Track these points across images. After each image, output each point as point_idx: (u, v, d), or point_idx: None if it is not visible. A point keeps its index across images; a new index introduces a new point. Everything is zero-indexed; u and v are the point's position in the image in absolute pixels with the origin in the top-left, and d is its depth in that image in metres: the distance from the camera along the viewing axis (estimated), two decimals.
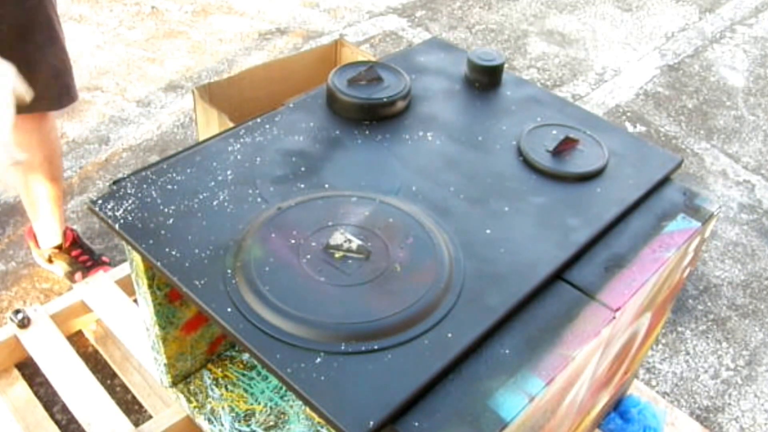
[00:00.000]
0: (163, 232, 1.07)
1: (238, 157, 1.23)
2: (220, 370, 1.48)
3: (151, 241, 1.06)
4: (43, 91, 1.56)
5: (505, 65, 1.51)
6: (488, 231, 1.13)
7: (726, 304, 2.14)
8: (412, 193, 1.19)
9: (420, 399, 0.89)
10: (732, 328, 2.07)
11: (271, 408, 1.40)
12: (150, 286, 1.23)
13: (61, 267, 1.97)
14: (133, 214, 1.10)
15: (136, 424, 1.55)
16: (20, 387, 1.68)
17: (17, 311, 1.71)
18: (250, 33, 3.28)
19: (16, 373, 1.71)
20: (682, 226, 1.21)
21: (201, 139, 2.01)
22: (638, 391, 1.71)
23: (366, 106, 1.34)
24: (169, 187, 1.16)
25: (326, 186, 1.19)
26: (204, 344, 1.43)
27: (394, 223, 1.11)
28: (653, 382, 1.89)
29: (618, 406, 1.65)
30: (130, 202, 1.13)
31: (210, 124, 1.95)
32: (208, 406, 1.41)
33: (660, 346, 1.99)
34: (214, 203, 1.13)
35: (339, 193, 1.17)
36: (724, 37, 3.59)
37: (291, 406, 1.41)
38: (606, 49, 3.41)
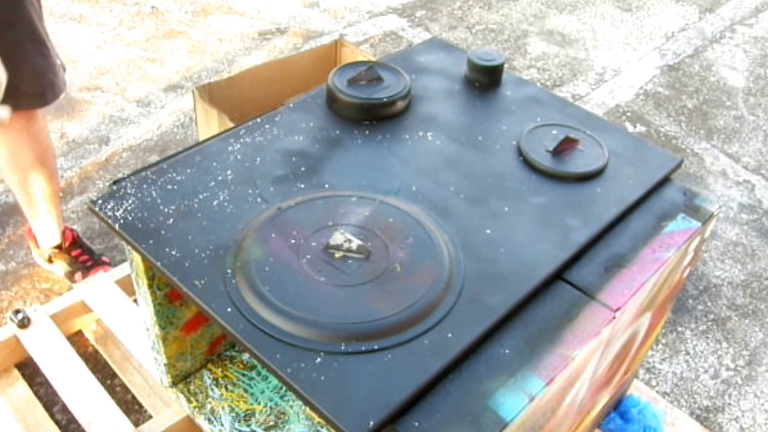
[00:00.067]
0: (163, 232, 1.07)
1: (238, 157, 1.23)
2: (220, 370, 1.48)
3: (151, 241, 1.06)
4: (26, 87, 1.57)
5: (505, 65, 1.51)
6: (488, 231, 1.13)
7: (726, 304, 2.14)
8: (412, 193, 1.19)
9: (420, 399, 0.89)
10: (732, 328, 2.06)
11: (271, 408, 1.40)
12: (150, 286, 1.23)
13: (61, 267, 1.97)
14: (133, 214, 1.10)
15: (136, 424, 1.55)
16: (20, 387, 1.68)
17: (17, 311, 1.71)
18: (250, 33, 3.28)
19: (16, 373, 1.71)
20: (682, 226, 1.21)
21: (201, 139, 2.01)
22: (638, 391, 1.71)
23: (366, 106, 1.34)
24: (169, 187, 1.16)
25: (326, 186, 1.19)
26: (204, 344, 1.43)
27: (394, 223, 1.11)
28: (653, 382, 1.89)
29: (618, 406, 1.65)
30: (130, 202, 1.12)
31: (210, 124, 1.95)
32: (208, 406, 1.41)
33: (660, 346, 1.98)
34: (214, 203, 1.13)
35: (339, 193, 1.17)
36: (724, 37, 3.59)
37: (291, 406, 1.41)
38: (606, 49, 3.41)
